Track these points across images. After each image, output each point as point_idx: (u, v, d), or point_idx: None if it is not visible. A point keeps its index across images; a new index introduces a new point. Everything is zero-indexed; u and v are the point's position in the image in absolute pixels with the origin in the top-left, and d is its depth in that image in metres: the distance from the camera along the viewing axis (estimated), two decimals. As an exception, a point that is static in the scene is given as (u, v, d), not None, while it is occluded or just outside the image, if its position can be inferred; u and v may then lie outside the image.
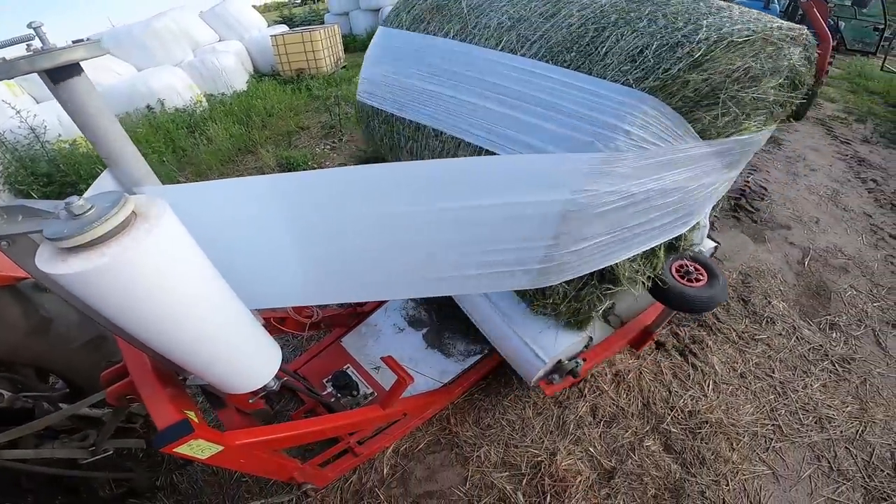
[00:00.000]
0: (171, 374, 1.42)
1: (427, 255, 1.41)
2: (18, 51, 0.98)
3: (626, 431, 2.55)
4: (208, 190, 1.22)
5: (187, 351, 1.14)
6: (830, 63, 6.42)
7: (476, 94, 1.73)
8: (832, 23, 6.68)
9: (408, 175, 1.28)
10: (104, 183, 1.26)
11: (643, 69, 1.37)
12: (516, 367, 2.18)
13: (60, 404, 1.86)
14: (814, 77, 6.21)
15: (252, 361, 1.38)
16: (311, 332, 2.58)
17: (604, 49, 1.48)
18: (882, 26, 7.45)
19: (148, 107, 7.06)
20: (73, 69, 1.01)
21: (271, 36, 9.34)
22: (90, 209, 0.84)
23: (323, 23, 13.05)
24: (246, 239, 1.28)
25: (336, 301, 1.53)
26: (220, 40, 9.96)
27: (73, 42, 0.99)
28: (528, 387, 2.63)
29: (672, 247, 1.99)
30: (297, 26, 12.28)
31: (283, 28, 11.33)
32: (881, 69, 8.22)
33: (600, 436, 2.54)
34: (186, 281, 1.02)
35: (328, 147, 6.15)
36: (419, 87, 1.96)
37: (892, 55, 9.83)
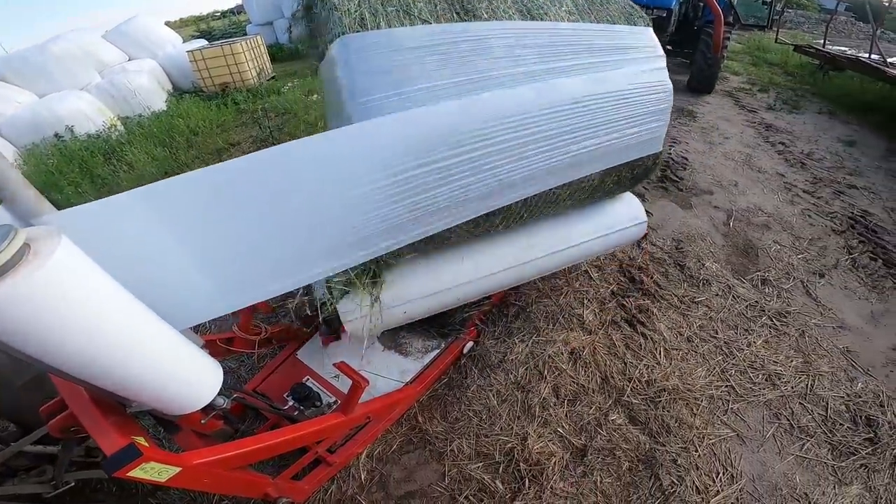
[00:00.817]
0: (112, 403, 1.38)
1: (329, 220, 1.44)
2: None
3: (591, 408, 2.63)
4: (103, 208, 1.16)
5: (111, 377, 1.12)
6: (727, 38, 6.92)
7: None
8: (725, 0, 7.21)
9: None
10: None
11: None
12: None
13: (12, 444, 1.88)
14: (713, 51, 6.62)
15: (187, 381, 1.37)
16: (263, 349, 2.49)
17: None
18: (770, 0, 8.12)
19: (56, 135, 6.52)
20: None
21: (188, 52, 8.87)
22: None
23: (245, 34, 12.55)
24: (151, 256, 1.24)
25: (260, 299, 1.48)
26: (129, 59, 9.34)
27: None
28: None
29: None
30: (218, 39, 11.75)
31: (202, 42, 10.80)
32: (776, 41, 8.98)
33: (566, 415, 2.60)
34: (93, 307, 1.00)
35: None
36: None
37: (784, 28, 10.79)
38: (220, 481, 1.52)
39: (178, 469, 1.30)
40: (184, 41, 10.76)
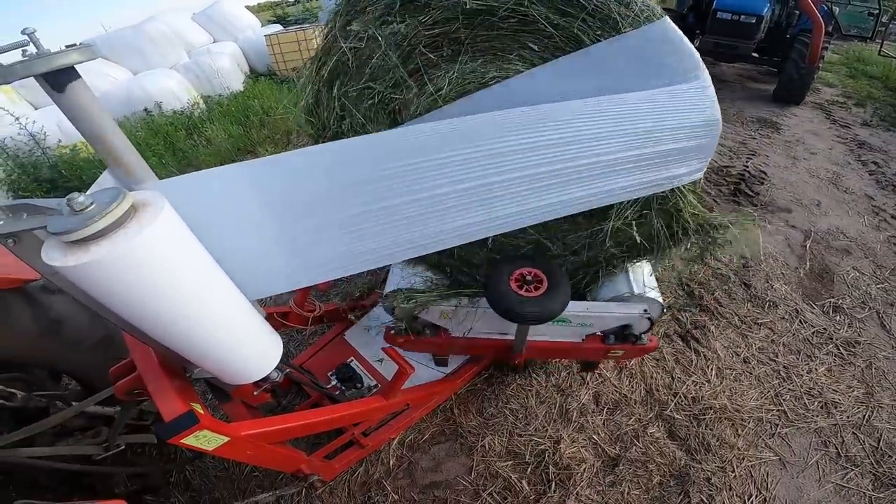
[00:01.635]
0: (176, 368, 1.45)
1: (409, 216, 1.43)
2: (13, 56, 0.99)
3: (630, 418, 2.57)
4: (200, 180, 1.23)
5: (189, 341, 1.17)
6: (825, 48, 6.39)
7: None
8: (825, 9, 6.63)
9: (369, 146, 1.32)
10: (105, 182, 1.29)
11: None
12: None
13: (73, 403, 1.90)
14: (808, 61, 6.16)
15: (253, 351, 1.41)
16: (314, 326, 2.59)
17: None
18: (877, 11, 7.40)
19: (146, 110, 7.06)
20: (70, 73, 1.03)
21: (265, 36, 9.29)
22: (91, 205, 0.88)
23: (317, 20, 12.99)
24: (237, 228, 1.30)
25: (328, 278, 1.52)
26: (214, 42, 9.92)
27: (67, 47, 1.01)
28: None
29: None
30: (291, 25, 12.23)
31: (277, 27, 11.27)
32: (879, 54, 8.19)
33: (604, 423, 2.56)
34: (184, 272, 1.06)
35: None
36: None
37: (889, 40, 9.77)
38: (261, 453, 1.57)
39: (226, 439, 1.33)
40: (261, 25, 11.30)
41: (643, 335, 2.07)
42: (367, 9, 1.69)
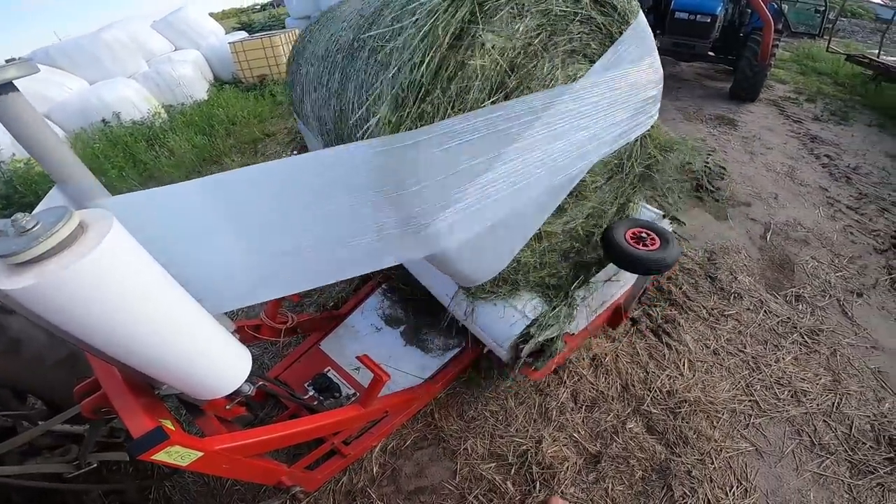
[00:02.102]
0: (143, 385, 1.42)
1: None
2: None
3: (609, 415, 2.61)
4: (155, 197, 1.20)
5: (149, 360, 1.15)
6: (776, 46, 6.66)
7: None
8: (775, 6, 6.92)
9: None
10: (53, 200, 1.25)
11: None
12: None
13: (40, 422, 1.87)
14: (760, 59, 6.39)
15: (219, 366, 1.39)
16: (288, 337, 2.56)
17: None
18: (823, 8, 7.76)
19: (104, 120, 6.81)
20: (8, 89, 1.01)
21: (230, 43, 9.12)
22: (36, 225, 0.86)
23: (284, 27, 12.83)
24: (196, 244, 1.28)
25: (292, 291, 1.53)
26: (175, 49, 9.67)
27: (6, 62, 1.01)
28: (514, 376, 2.66)
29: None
30: (257, 32, 12.03)
31: (242, 34, 11.08)
32: (827, 50, 8.58)
33: (583, 421, 2.59)
34: (137, 290, 1.03)
35: (296, 152, 6.06)
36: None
37: (837, 37, 10.29)
38: (238, 467, 1.56)
39: (200, 454, 1.32)
40: (225, 33, 11.07)
41: None
42: None
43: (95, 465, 1.90)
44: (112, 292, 0.96)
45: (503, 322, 2.10)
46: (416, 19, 1.30)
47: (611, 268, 2.34)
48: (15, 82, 1.01)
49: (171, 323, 1.15)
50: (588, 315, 2.33)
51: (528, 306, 2.13)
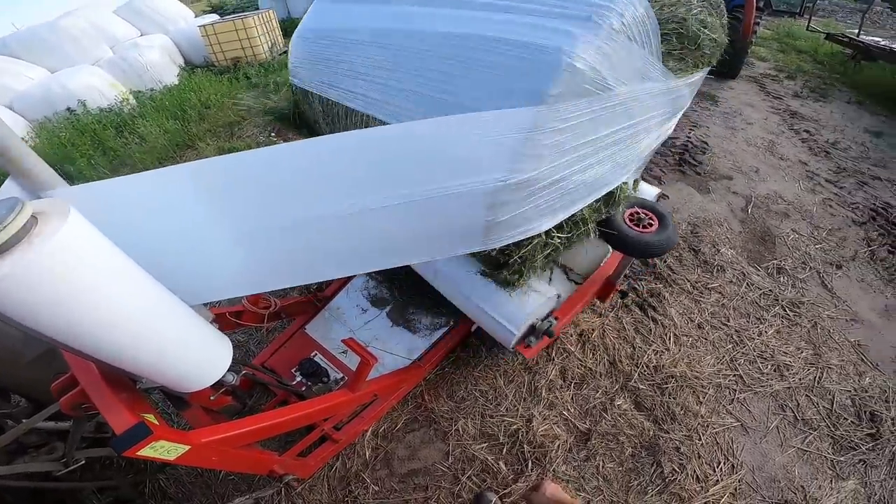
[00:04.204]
0: (122, 379, 1.36)
1: (363, 230, 1.33)
2: None
3: (597, 392, 2.61)
4: (124, 185, 1.14)
5: (122, 353, 1.09)
6: (757, 24, 6.68)
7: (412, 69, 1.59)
8: None
9: (327, 150, 1.22)
10: (7, 192, 1.18)
11: None
12: (494, 337, 2.14)
13: (24, 420, 1.84)
14: (741, 36, 6.35)
15: (197, 357, 1.34)
16: (272, 322, 2.49)
17: None
18: (804, -13, 7.79)
19: (69, 109, 6.52)
20: None
21: (199, 27, 8.78)
22: None
23: (258, 8, 12.39)
24: (173, 232, 1.21)
25: (282, 286, 1.47)
26: (141, 35, 9.28)
27: None
28: (509, 351, 2.64)
29: (610, 197, 1.98)
30: (230, 14, 11.60)
31: (213, 17, 10.67)
32: (807, 29, 8.64)
33: (572, 398, 2.58)
34: (102, 282, 0.98)
35: (273, 134, 5.89)
36: (350, 66, 1.83)
37: (816, 16, 10.36)
38: (228, 459, 1.53)
39: (187, 447, 1.29)
40: (196, 16, 10.67)
41: None
42: None
43: (83, 461, 1.87)
44: (73, 286, 0.90)
45: (520, 302, 1.97)
46: None
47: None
48: None
49: (141, 314, 1.10)
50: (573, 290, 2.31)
51: (542, 286, 2.06)
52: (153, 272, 1.15)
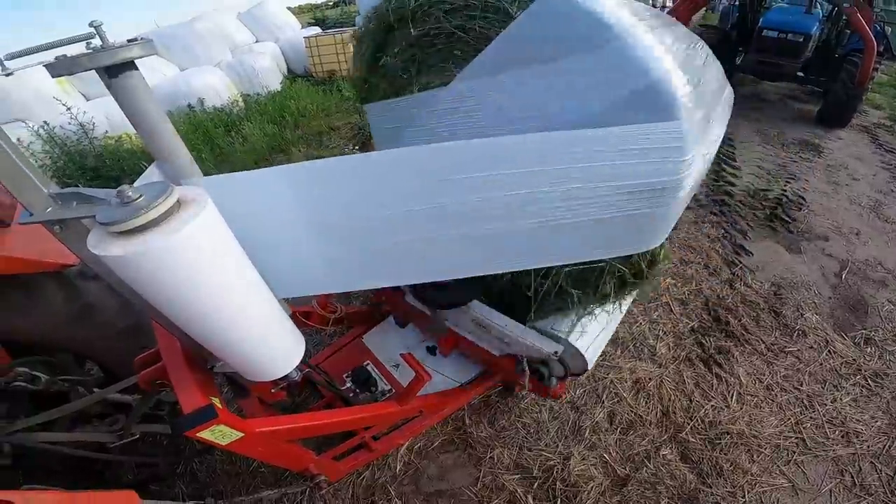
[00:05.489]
0: (199, 360, 1.48)
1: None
2: (78, 48, 1.04)
3: (643, 439, 2.52)
4: (242, 180, 1.24)
5: (217, 335, 1.20)
6: (876, 69, 6.12)
7: None
8: (878, 28, 6.36)
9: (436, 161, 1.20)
10: (151, 176, 1.33)
11: None
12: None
13: (95, 389, 1.93)
14: (857, 83, 5.86)
15: (278, 350, 1.42)
16: (334, 327, 2.63)
17: None
18: (931, 31, 7.05)
19: (189, 105, 7.35)
20: (129, 67, 1.07)
21: (305, 37, 9.55)
22: (139, 197, 0.92)
23: (354, 25, 13.26)
24: (274, 229, 1.30)
25: (366, 286, 1.50)
26: (256, 41, 10.27)
27: (129, 41, 1.05)
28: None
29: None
30: (330, 28, 12.51)
31: (316, 30, 11.55)
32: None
33: (616, 442, 2.51)
34: (222, 268, 1.08)
35: (356, 147, 6.27)
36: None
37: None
38: (272, 450, 1.58)
39: (241, 434, 1.33)
40: (301, 27, 11.60)
41: (552, 378, 2.07)
42: None
43: (138, 435, 1.93)
44: (197, 267, 1.01)
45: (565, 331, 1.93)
46: None
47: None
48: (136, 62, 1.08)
49: (244, 303, 1.19)
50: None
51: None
52: (253, 262, 1.24)
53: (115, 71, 1.05)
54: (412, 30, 1.73)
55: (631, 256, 1.62)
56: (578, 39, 1.27)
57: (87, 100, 6.98)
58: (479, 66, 1.53)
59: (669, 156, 1.12)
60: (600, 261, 1.61)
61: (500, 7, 1.46)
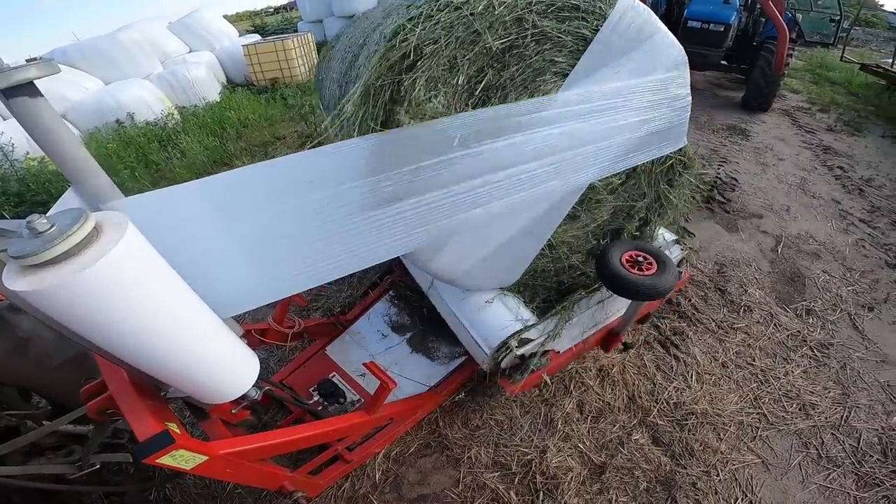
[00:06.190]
0: (150, 387, 1.42)
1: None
2: None
3: (614, 426, 2.58)
4: (162, 199, 1.19)
5: (159, 362, 1.15)
6: (790, 56, 6.61)
7: None
8: (790, 16, 6.88)
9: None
10: (68, 201, 1.25)
11: None
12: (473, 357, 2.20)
13: (44, 422, 1.86)
14: (774, 69, 6.26)
15: (228, 371, 1.39)
16: (295, 342, 2.57)
17: None
18: (838, 17, 7.68)
19: (118, 121, 6.91)
20: (30, 88, 1.01)
21: (243, 46, 9.24)
22: (51, 227, 0.86)
23: (296, 31, 12.93)
24: (202, 246, 1.27)
25: (297, 290, 1.52)
26: (190, 51, 9.80)
27: (27, 61, 1.00)
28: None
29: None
30: (270, 35, 12.15)
31: (256, 37, 11.21)
32: (841, 59, 8.51)
33: (588, 431, 2.56)
34: (150, 294, 1.03)
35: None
36: None
37: (851, 46, 10.20)
38: (241, 471, 1.55)
39: (205, 458, 1.31)
40: (239, 35, 11.20)
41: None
42: None
43: (98, 465, 1.89)
44: (124, 296, 0.96)
45: (492, 319, 2.05)
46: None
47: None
48: (35, 82, 1.01)
49: (183, 327, 1.15)
50: (578, 334, 2.29)
51: (521, 310, 2.09)
52: (189, 283, 1.21)
53: (12, 93, 0.98)
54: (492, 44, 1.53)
55: (680, 151, 2.17)
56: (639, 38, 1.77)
57: (4, 119, 6.39)
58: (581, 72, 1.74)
59: (684, 86, 1.99)
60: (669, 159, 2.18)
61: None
